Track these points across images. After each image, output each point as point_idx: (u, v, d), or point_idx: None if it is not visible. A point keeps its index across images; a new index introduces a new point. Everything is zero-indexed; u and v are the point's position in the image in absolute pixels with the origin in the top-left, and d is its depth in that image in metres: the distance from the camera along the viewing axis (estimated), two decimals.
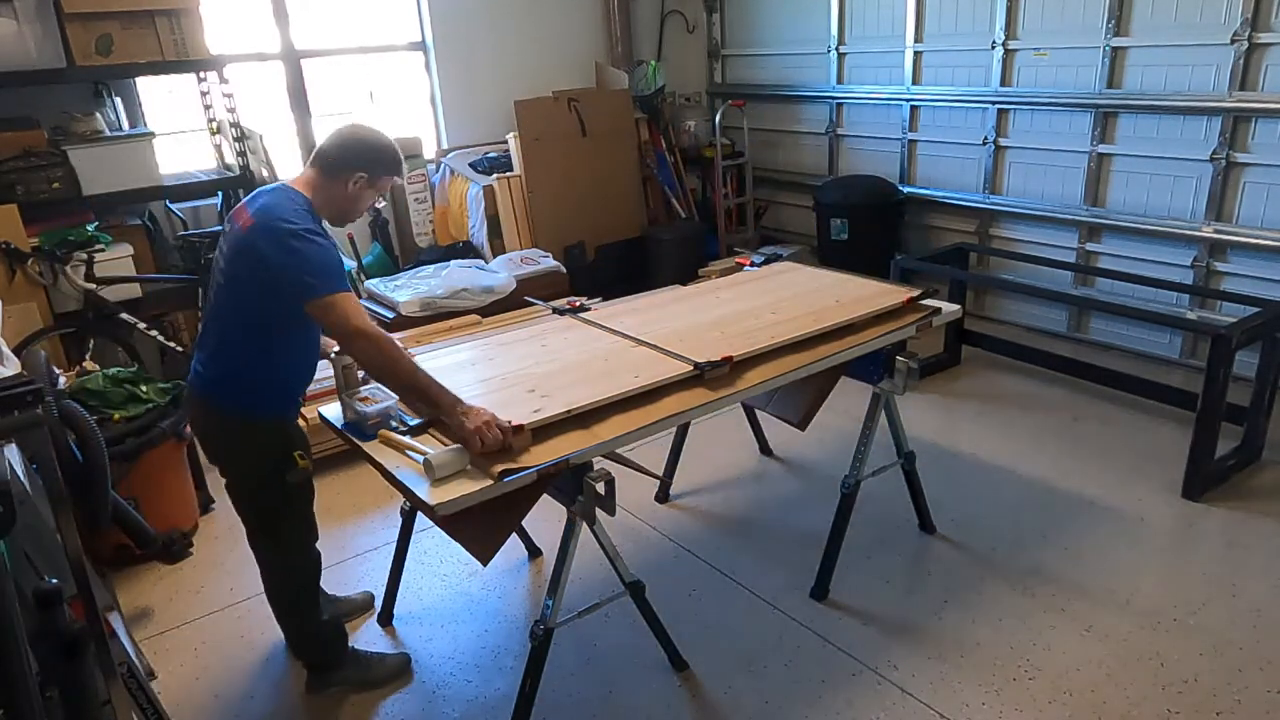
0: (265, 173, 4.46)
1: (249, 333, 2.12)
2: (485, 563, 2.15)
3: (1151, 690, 2.33)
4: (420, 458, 1.95)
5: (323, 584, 2.49)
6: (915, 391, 3.04)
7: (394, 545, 2.78)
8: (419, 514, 2.60)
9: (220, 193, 4.50)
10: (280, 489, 2.22)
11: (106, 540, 2.99)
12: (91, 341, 3.98)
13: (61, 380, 3.03)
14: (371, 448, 2.12)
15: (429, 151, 5.44)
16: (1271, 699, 2.29)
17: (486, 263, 5.10)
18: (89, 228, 3.92)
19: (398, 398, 2.27)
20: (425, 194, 5.34)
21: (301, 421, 3.71)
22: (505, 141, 5.38)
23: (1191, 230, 4.09)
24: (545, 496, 2.12)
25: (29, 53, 3.69)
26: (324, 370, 2.41)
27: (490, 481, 1.88)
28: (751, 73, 6.24)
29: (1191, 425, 3.19)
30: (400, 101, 5.50)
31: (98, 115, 4.06)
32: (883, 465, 2.89)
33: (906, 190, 5.26)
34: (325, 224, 2.21)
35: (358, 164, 2.15)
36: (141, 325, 4.08)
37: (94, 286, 3.88)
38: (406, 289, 4.53)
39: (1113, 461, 3.50)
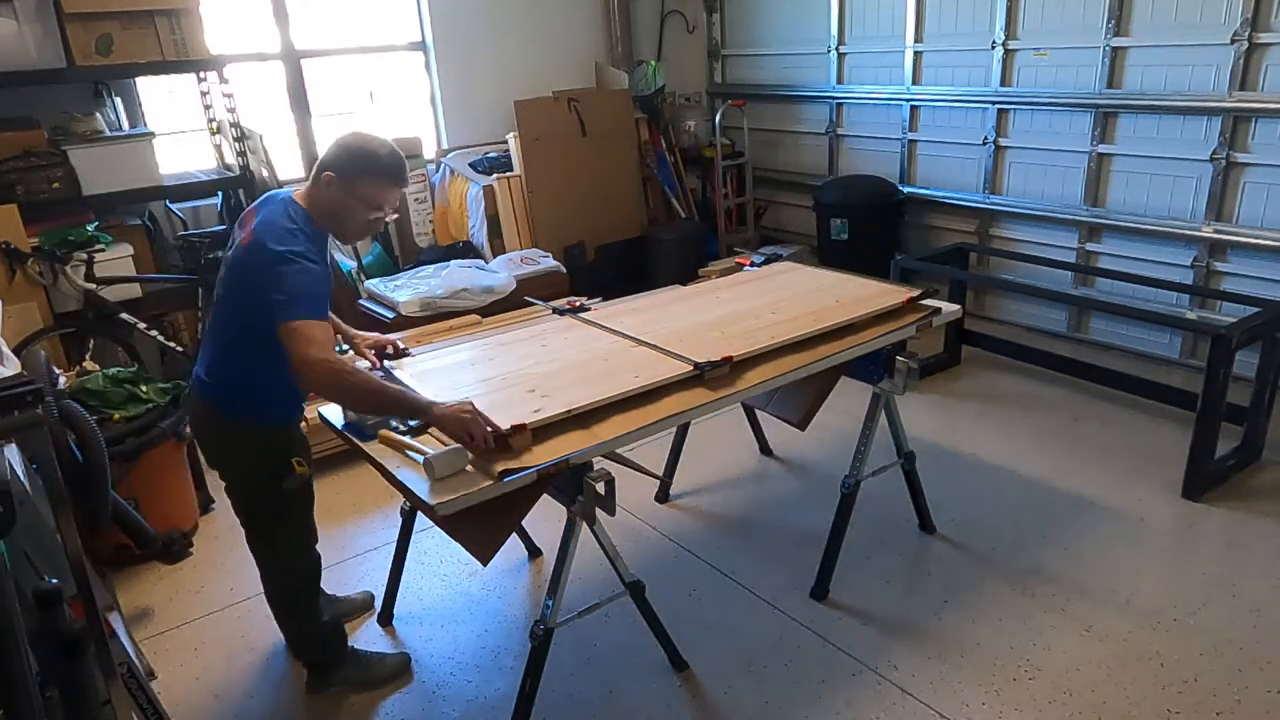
0: (265, 173, 4.47)
1: (247, 342, 2.12)
2: (485, 563, 2.15)
3: (1151, 690, 2.33)
4: (420, 458, 1.95)
5: (323, 584, 2.49)
6: (915, 391, 3.04)
7: (394, 545, 2.79)
8: (419, 514, 2.60)
9: (220, 193, 4.50)
10: (278, 493, 2.22)
11: (106, 540, 2.99)
12: (91, 341, 3.98)
13: (61, 380, 3.03)
14: (371, 448, 2.12)
15: (429, 151, 5.43)
16: (1271, 699, 2.29)
17: (486, 263, 5.09)
18: (89, 228, 3.92)
19: None
20: (425, 194, 5.34)
21: (303, 423, 3.74)
22: (505, 141, 5.38)
23: (1191, 230, 4.09)
24: (545, 496, 2.12)
25: (29, 53, 3.69)
26: None
27: (490, 481, 1.88)
28: (751, 73, 6.24)
29: (1191, 425, 3.19)
30: (400, 101, 5.50)
31: (98, 115, 4.06)
32: (883, 465, 2.89)
33: (906, 190, 5.26)
34: (335, 240, 2.21)
35: (330, 163, 2.10)
36: (141, 325, 4.08)
37: (94, 286, 3.88)
38: (406, 289, 4.53)
39: (1113, 461, 3.50)
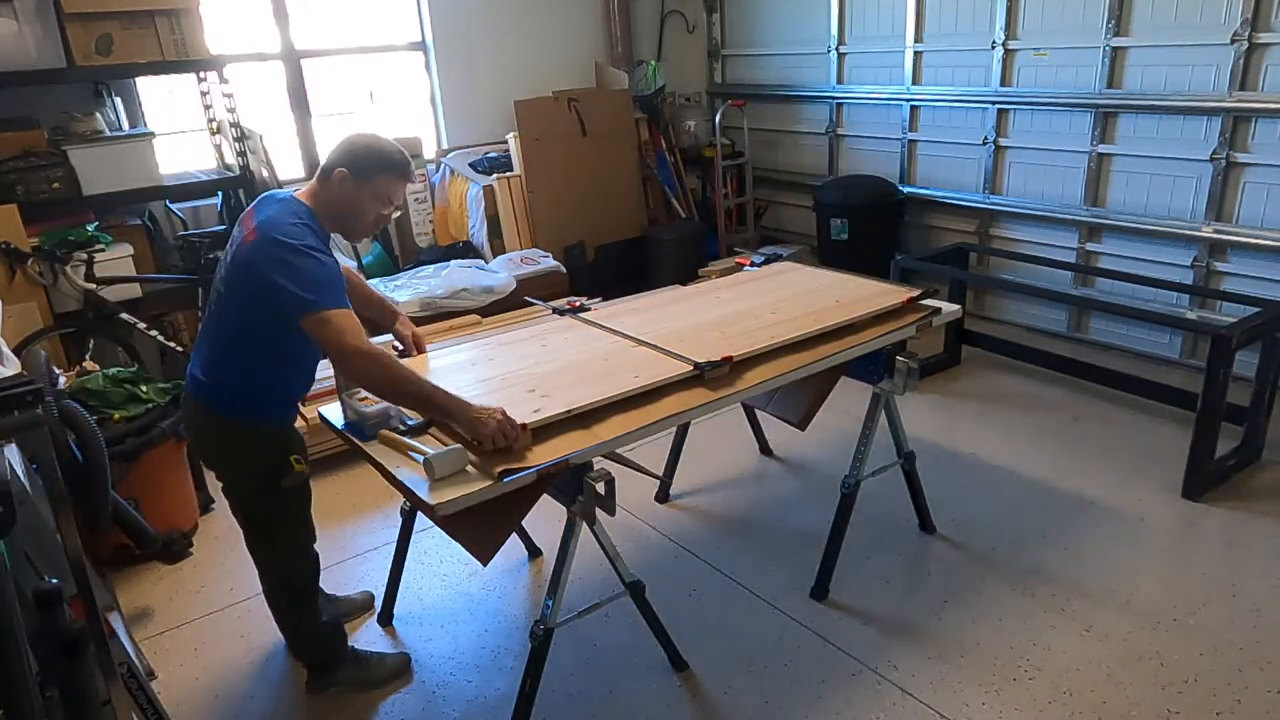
0: (265, 173, 4.46)
1: (248, 340, 2.11)
2: (485, 563, 2.15)
3: (1151, 690, 2.33)
4: (420, 458, 1.95)
5: (322, 584, 2.49)
6: (915, 391, 3.04)
7: (394, 545, 2.78)
8: (419, 514, 2.60)
9: (220, 193, 4.50)
10: (276, 493, 2.21)
11: (106, 540, 2.99)
12: (91, 341, 3.98)
13: (61, 380, 3.03)
14: (371, 448, 2.12)
15: (429, 151, 5.44)
16: (1271, 699, 2.29)
17: (486, 263, 5.10)
18: (89, 228, 3.92)
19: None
20: (425, 194, 5.35)
21: (301, 423, 3.74)
22: (505, 141, 5.38)
23: (1191, 230, 4.09)
24: (545, 496, 2.12)
25: (29, 53, 3.69)
26: (324, 370, 2.41)
27: (490, 481, 1.88)
28: (751, 73, 6.24)
29: (1191, 425, 3.19)
30: (400, 101, 5.50)
31: (98, 115, 4.06)
32: (883, 465, 2.89)
33: (906, 190, 5.26)
34: (337, 238, 2.21)
35: (341, 160, 2.11)
36: (141, 325, 4.08)
37: (94, 286, 3.88)
38: (406, 289, 4.53)
39: (1113, 461, 3.50)
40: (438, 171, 5.41)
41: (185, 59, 4.01)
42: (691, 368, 2.28)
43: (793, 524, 3.22)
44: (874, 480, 2.85)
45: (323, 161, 2.16)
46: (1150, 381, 3.87)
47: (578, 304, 2.94)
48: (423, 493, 1.87)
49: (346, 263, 5.06)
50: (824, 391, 2.96)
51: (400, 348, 2.52)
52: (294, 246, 1.99)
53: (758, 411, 3.52)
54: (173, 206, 4.61)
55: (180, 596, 3.00)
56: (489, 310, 4.58)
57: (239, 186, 4.35)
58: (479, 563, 2.14)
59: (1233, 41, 3.77)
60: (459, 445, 1.97)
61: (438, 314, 4.44)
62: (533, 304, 3.68)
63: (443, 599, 2.93)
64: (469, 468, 1.94)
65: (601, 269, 5.53)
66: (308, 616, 2.42)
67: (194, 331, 4.42)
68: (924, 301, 2.77)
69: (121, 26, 3.82)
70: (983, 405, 4.08)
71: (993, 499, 3.30)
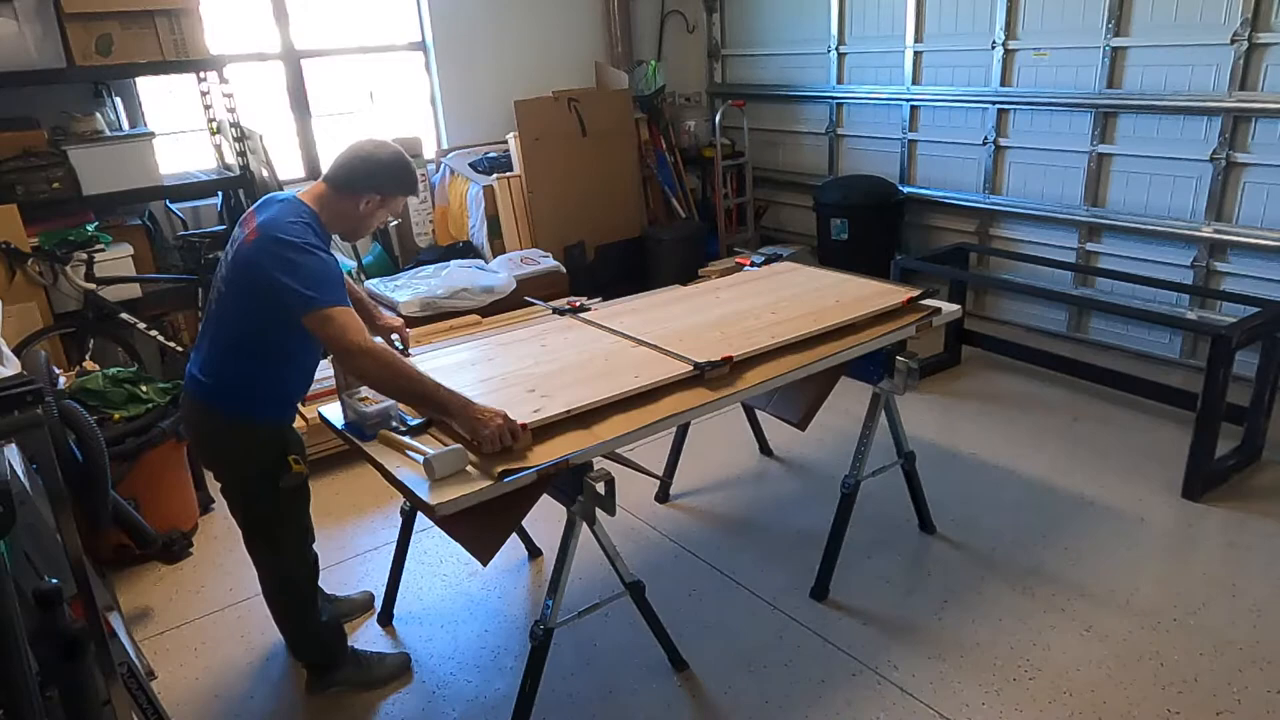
0: (265, 173, 4.46)
1: (248, 340, 2.12)
2: (485, 563, 2.15)
3: (1151, 690, 2.33)
4: (420, 458, 1.95)
5: (323, 584, 2.49)
6: (915, 391, 3.04)
7: (394, 545, 2.78)
8: (419, 514, 2.60)
9: (220, 193, 4.50)
10: (275, 493, 2.21)
11: (106, 540, 2.99)
12: (91, 341, 3.98)
13: (61, 380, 3.03)
14: (371, 448, 2.12)
15: (429, 151, 5.44)
16: (1271, 699, 2.29)
17: (486, 263, 5.10)
18: (89, 228, 3.92)
19: None
20: (425, 194, 5.35)
21: (301, 423, 3.74)
22: (505, 141, 5.38)
23: (1191, 230, 4.09)
24: (545, 496, 2.12)
25: (29, 53, 3.69)
26: (324, 370, 2.41)
27: (490, 481, 1.88)
28: (751, 73, 6.24)
29: (1191, 425, 3.19)
30: (400, 101, 5.50)
31: (98, 115, 4.06)
32: (883, 465, 2.89)
33: (906, 190, 5.26)
34: (336, 237, 2.22)
35: (372, 184, 2.15)
36: (141, 325, 4.08)
37: (94, 286, 3.88)
38: (406, 289, 4.53)
39: (1113, 461, 3.50)
40: (438, 171, 5.41)
41: (185, 59, 4.01)
42: (691, 368, 2.28)
43: (793, 524, 3.22)
44: (874, 480, 2.85)
45: (335, 168, 2.18)
46: (1150, 381, 3.87)
47: (578, 304, 2.94)
48: (423, 493, 1.87)
49: (347, 263, 5.07)
50: (824, 391, 2.96)
51: (399, 344, 2.51)
52: (296, 244, 2.00)
53: (758, 411, 3.52)
54: (173, 206, 4.61)
55: (180, 596, 3.00)
56: (489, 310, 4.58)
57: (239, 186, 4.35)
58: (479, 563, 2.14)
59: (1233, 41, 3.77)
60: (459, 445, 1.97)
61: (438, 314, 4.44)
62: (533, 304, 3.68)
63: (443, 599, 2.93)
64: (469, 468, 1.94)
65: (601, 269, 5.53)
66: (307, 617, 2.42)
67: (194, 331, 4.42)
68: (924, 301, 2.77)
69: (121, 26, 3.82)
70: (983, 405, 4.08)
71: (993, 499, 3.30)
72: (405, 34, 5.38)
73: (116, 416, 3.01)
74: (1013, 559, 2.93)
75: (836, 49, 5.51)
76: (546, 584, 2.26)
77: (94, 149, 3.89)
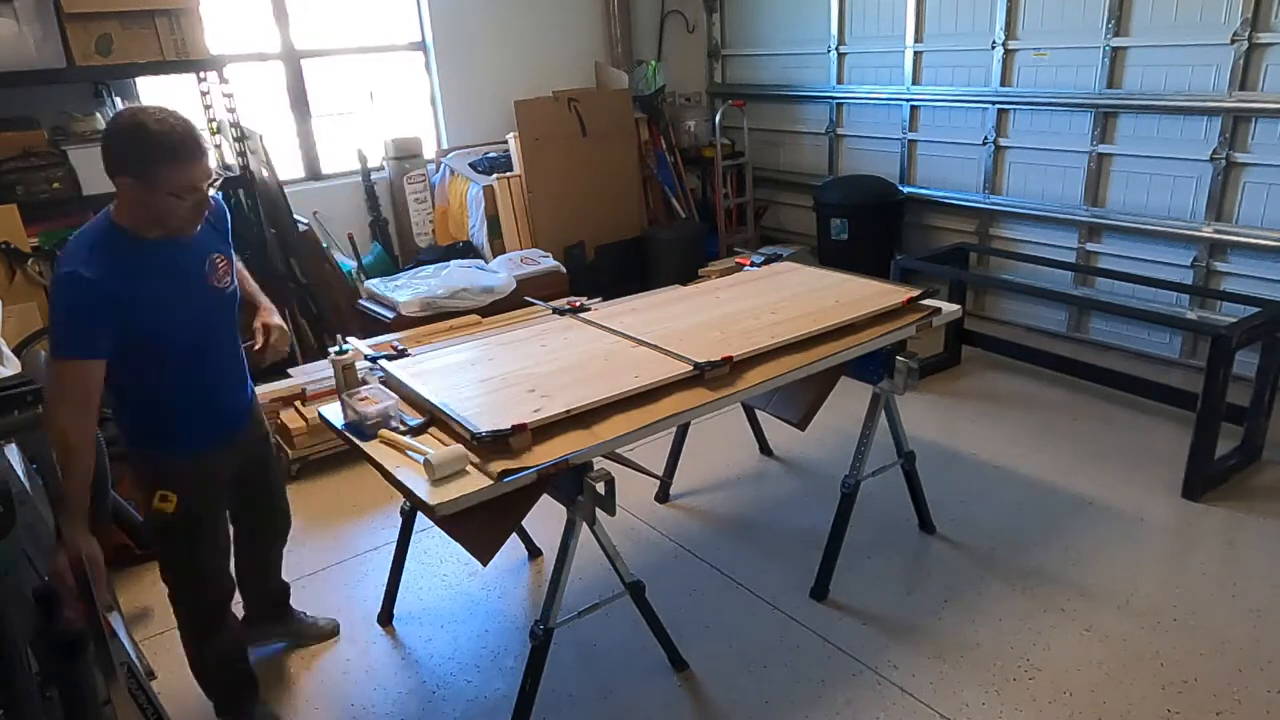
0: (265, 173, 4.47)
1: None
2: (485, 563, 2.15)
3: (1151, 690, 2.34)
4: (420, 458, 1.95)
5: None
6: (915, 391, 3.04)
7: (394, 545, 2.79)
8: (419, 514, 2.60)
9: (220, 193, 4.48)
10: (152, 523, 2.11)
11: (106, 540, 2.98)
12: None
13: None
14: (371, 448, 2.12)
15: (429, 151, 5.44)
16: (1271, 699, 2.29)
17: (486, 263, 5.10)
18: None
19: (397, 397, 2.27)
20: (425, 194, 5.34)
21: (301, 423, 3.73)
22: (505, 141, 5.38)
23: (1191, 230, 4.09)
24: (545, 496, 2.12)
25: (29, 53, 3.68)
26: (324, 370, 2.41)
27: (490, 481, 1.89)
28: (751, 73, 6.24)
29: (1191, 425, 3.19)
30: (400, 101, 5.50)
31: (98, 115, 4.07)
32: (883, 465, 2.89)
33: (906, 190, 5.26)
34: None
35: (116, 167, 1.88)
36: None
37: None
38: (406, 289, 4.53)
39: (1113, 461, 3.50)
40: (438, 171, 5.41)
41: (185, 59, 4.01)
42: (691, 368, 2.28)
43: (793, 524, 3.22)
44: (874, 480, 2.85)
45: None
46: (1150, 381, 3.87)
47: (578, 304, 2.94)
48: (423, 493, 1.87)
49: (347, 263, 5.07)
50: (824, 391, 2.96)
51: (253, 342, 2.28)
52: (60, 273, 1.82)
53: (758, 411, 3.52)
54: None
55: None
56: (489, 310, 4.58)
57: (239, 186, 4.35)
58: (479, 563, 2.14)
59: (1233, 41, 3.77)
60: (459, 445, 1.97)
61: (438, 314, 4.44)
62: (533, 304, 3.68)
63: (443, 599, 2.93)
64: (469, 468, 1.94)
65: (601, 269, 5.53)
66: (200, 655, 2.29)
67: None
68: (924, 301, 2.77)
69: (121, 26, 3.82)
70: (983, 405, 4.08)
71: (993, 499, 3.30)
72: (405, 34, 5.38)
73: None
74: (1013, 559, 2.93)
75: (836, 49, 5.51)
76: (546, 584, 2.26)
77: (94, 149, 3.87)
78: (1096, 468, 3.45)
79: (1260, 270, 3.92)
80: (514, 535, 3.01)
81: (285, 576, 2.69)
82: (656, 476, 2.84)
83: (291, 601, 2.73)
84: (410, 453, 2.03)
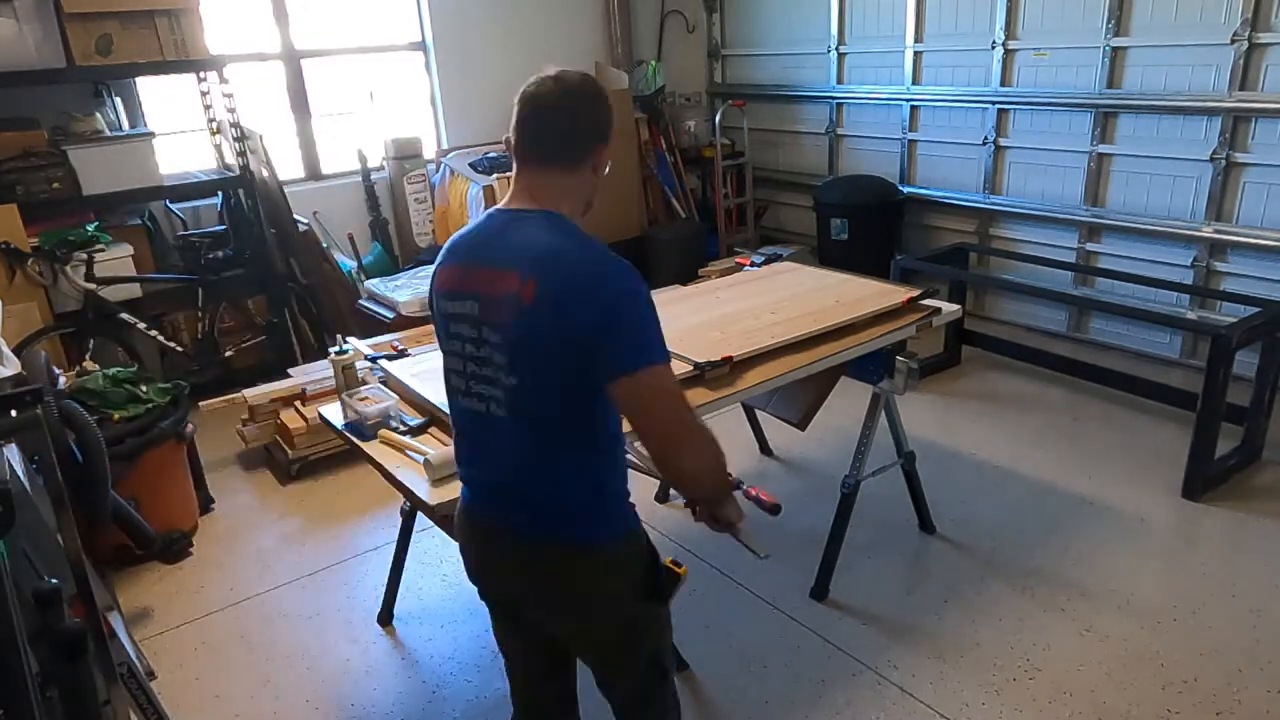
0: (265, 173, 4.47)
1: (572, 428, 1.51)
2: None
3: (1151, 690, 2.33)
4: (420, 458, 1.95)
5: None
6: (915, 391, 3.04)
7: (394, 545, 2.78)
8: (419, 514, 2.60)
9: (220, 193, 4.50)
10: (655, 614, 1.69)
11: (106, 540, 2.99)
12: (91, 341, 3.99)
13: (61, 380, 3.03)
14: (371, 448, 2.12)
15: (429, 151, 5.44)
16: (1271, 699, 2.29)
17: None
18: (89, 228, 3.92)
19: (397, 397, 2.27)
20: (425, 194, 5.34)
21: (301, 423, 3.74)
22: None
23: (1191, 230, 4.09)
24: None
25: (29, 53, 3.69)
26: (324, 370, 2.41)
27: None
28: (751, 73, 6.24)
29: (1191, 425, 3.19)
30: (400, 101, 5.50)
31: (98, 115, 4.07)
32: (883, 465, 2.89)
33: (906, 190, 5.26)
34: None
35: (598, 133, 1.55)
36: (141, 325, 4.08)
37: (94, 286, 3.88)
38: (406, 289, 4.53)
39: (1113, 461, 3.50)
40: (438, 171, 5.41)
41: (185, 59, 4.02)
42: (691, 368, 2.28)
43: (792, 524, 3.22)
44: (874, 480, 2.85)
45: (561, 143, 1.54)
46: (1150, 381, 3.87)
47: None
48: (423, 493, 1.87)
49: (346, 263, 5.07)
50: (824, 391, 2.95)
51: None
52: (622, 288, 1.53)
53: (758, 411, 3.52)
54: (173, 206, 4.61)
55: (180, 596, 3.00)
56: None
57: (239, 186, 4.36)
58: None
59: (1233, 41, 3.77)
60: None
61: None
62: None
63: (443, 599, 2.93)
64: None
65: None
66: None
67: (194, 331, 4.42)
68: (924, 301, 2.77)
69: (121, 26, 3.82)
70: (983, 405, 4.08)
71: (993, 499, 3.30)
72: (405, 34, 5.38)
73: (116, 416, 3.01)
74: (1013, 559, 2.93)
75: (836, 49, 5.51)
76: None
77: (94, 149, 3.89)
78: (1096, 468, 3.45)
79: (1260, 270, 3.92)
80: None
81: (285, 576, 2.68)
82: (657, 476, 2.84)
83: (291, 601, 2.72)
84: (410, 453, 2.03)
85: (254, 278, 4.45)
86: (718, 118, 5.91)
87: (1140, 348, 4.44)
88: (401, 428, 2.14)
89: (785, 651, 2.57)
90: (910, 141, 5.27)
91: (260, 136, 4.43)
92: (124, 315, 4.01)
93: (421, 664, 2.62)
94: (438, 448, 1.98)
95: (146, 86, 4.56)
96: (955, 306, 2.80)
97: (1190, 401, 3.30)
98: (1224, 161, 3.92)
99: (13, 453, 1.67)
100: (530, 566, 1.55)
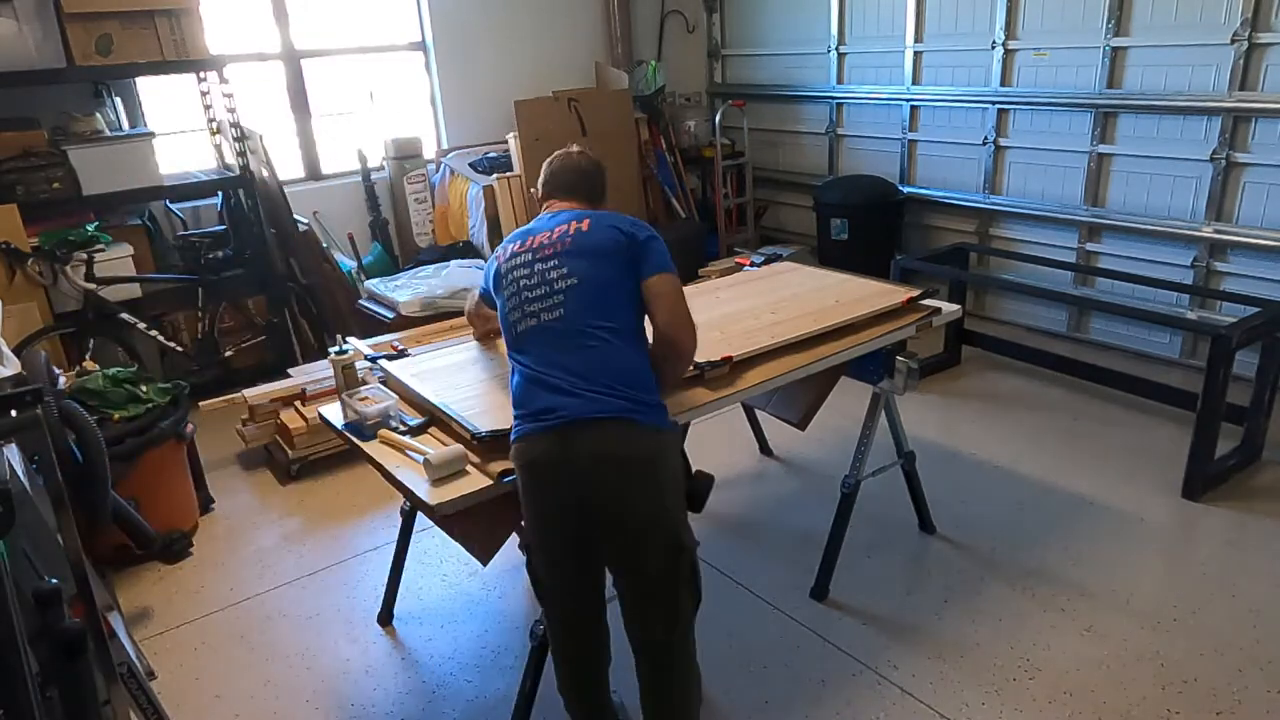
0: (265, 173, 4.47)
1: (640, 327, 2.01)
2: (485, 563, 2.15)
3: (1151, 690, 2.33)
4: (420, 458, 1.95)
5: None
6: (915, 391, 3.04)
7: (394, 545, 2.78)
8: (419, 514, 2.60)
9: (220, 193, 4.50)
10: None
11: (106, 540, 2.99)
12: (91, 341, 3.99)
13: (61, 380, 3.03)
14: (371, 448, 2.12)
15: (429, 151, 5.44)
16: (1271, 699, 2.29)
17: (486, 262, 5.09)
18: (89, 228, 3.92)
19: (397, 397, 2.27)
20: (425, 194, 5.35)
21: (301, 423, 3.74)
22: (505, 141, 5.38)
23: (1191, 230, 4.09)
24: None
25: (29, 53, 3.69)
26: (324, 370, 2.41)
27: (490, 481, 1.89)
28: (751, 73, 6.24)
29: (1191, 425, 3.19)
30: (400, 101, 5.50)
31: (98, 115, 4.07)
32: (883, 465, 2.89)
33: (906, 190, 5.26)
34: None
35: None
36: (141, 325, 4.08)
37: (94, 286, 3.88)
38: (406, 289, 4.53)
39: (1113, 461, 3.50)
40: (438, 171, 5.41)
41: (185, 59, 4.02)
42: (691, 367, 2.27)
43: (793, 524, 3.22)
44: (874, 480, 2.85)
45: (593, 187, 2.37)
46: (1150, 381, 3.87)
47: None
48: (423, 493, 1.87)
49: (346, 263, 5.07)
50: (824, 391, 2.95)
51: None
52: (651, 231, 2.07)
53: (758, 411, 3.52)
54: (173, 206, 4.61)
55: (180, 596, 3.00)
56: None
57: (239, 186, 4.36)
58: (479, 563, 2.14)
59: (1233, 41, 3.77)
60: (459, 445, 1.97)
61: (438, 314, 4.43)
62: None
63: (443, 599, 2.93)
64: (469, 468, 1.94)
65: None
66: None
67: (194, 331, 4.42)
68: (924, 301, 2.77)
69: (121, 26, 3.82)
70: (983, 405, 4.08)
71: (993, 499, 3.30)
72: (405, 34, 5.38)
73: (116, 416, 3.01)
74: (1013, 559, 2.93)
75: (836, 49, 5.51)
76: None
77: (94, 149, 3.89)
78: (1096, 468, 3.45)
79: (1260, 270, 3.92)
80: (514, 535, 3.01)
81: (285, 576, 2.68)
82: None
83: (291, 601, 2.72)
84: (410, 453, 2.03)
85: (254, 278, 4.45)
86: (718, 118, 5.91)
87: (1140, 348, 4.44)
88: (401, 428, 2.14)
89: (785, 651, 2.57)
90: (910, 141, 5.27)
91: (260, 136, 4.43)
92: (124, 315, 4.01)
93: (421, 664, 2.62)
94: (438, 448, 1.98)
95: (146, 86, 4.56)
96: (955, 306, 2.80)
97: (1190, 401, 3.30)
98: (1224, 161, 3.92)
99: (13, 453, 1.67)
100: (617, 446, 1.80)
